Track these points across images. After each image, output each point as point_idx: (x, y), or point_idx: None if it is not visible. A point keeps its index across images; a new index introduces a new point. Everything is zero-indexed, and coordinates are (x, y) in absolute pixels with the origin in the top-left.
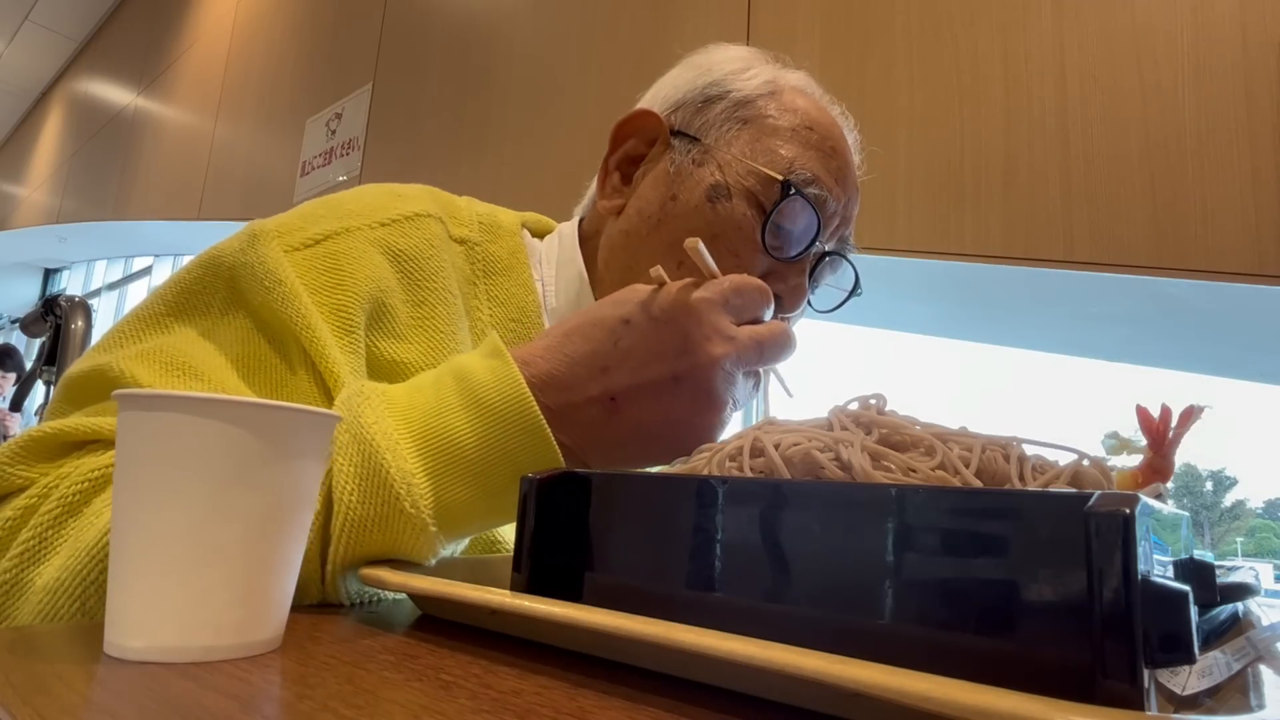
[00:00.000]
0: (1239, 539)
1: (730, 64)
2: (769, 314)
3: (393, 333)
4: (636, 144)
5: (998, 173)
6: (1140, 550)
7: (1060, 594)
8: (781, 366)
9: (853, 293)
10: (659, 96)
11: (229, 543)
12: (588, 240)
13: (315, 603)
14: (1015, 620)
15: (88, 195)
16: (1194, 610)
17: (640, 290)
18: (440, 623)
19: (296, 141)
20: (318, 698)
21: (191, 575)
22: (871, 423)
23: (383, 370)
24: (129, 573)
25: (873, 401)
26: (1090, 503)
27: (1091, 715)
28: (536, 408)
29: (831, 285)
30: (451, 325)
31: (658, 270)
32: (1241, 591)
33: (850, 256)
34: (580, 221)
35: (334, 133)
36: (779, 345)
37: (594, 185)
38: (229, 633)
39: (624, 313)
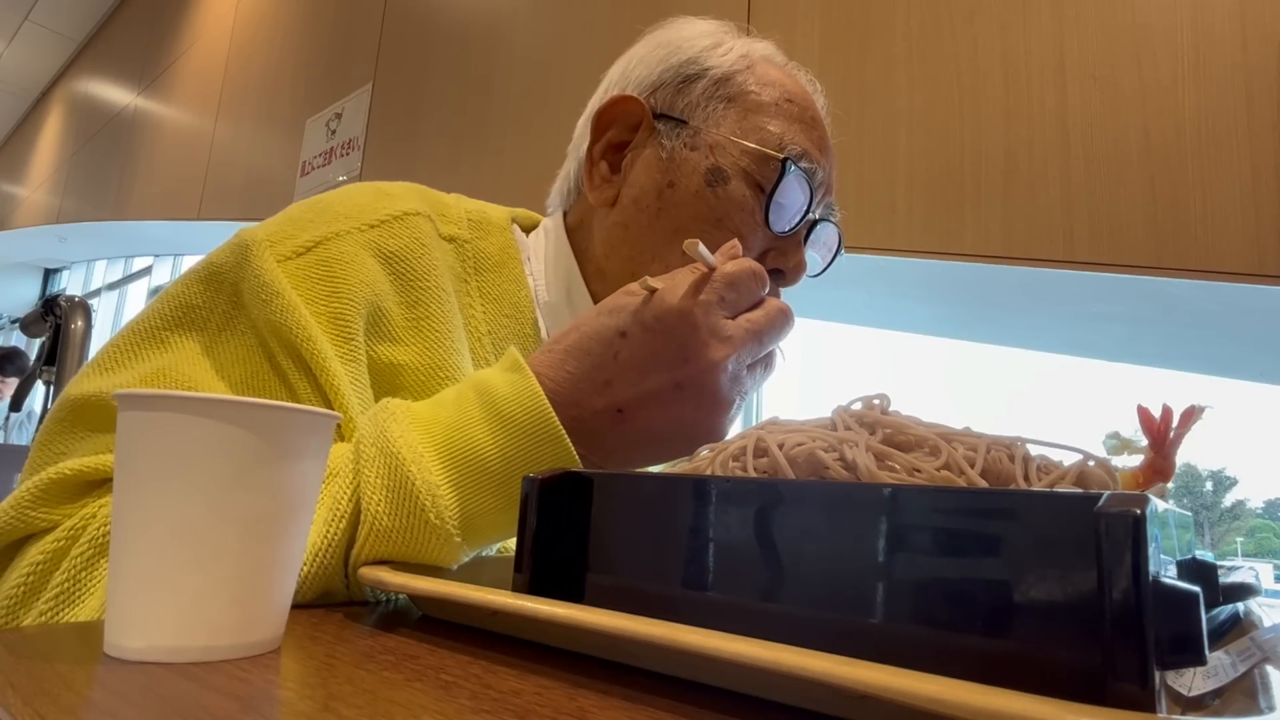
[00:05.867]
0: (1239, 539)
1: (702, 40)
2: (765, 290)
3: (389, 336)
4: (619, 131)
5: (998, 173)
6: (1150, 551)
7: (1070, 595)
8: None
9: (837, 253)
10: (631, 78)
11: (228, 543)
12: (574, 232)
13: (341, 601)
14: (1024, 622)
15: (88, 195)
16: (1204, 611)
17: (632, 299)
18: (440, 623)
19: (296, 141)
20: (318, 698)
21: (191, 575)
22: (875, 422)
23: (381, 375)
24: (129, 573)
25: (876, 401)
26: (1100, 503)
27: (1102, 717)
28: (556, 419)
29: (814, 249)
30: (446, 324)
31: (645, 280)
32: (1243, 592)
33: (834, 220)
34: (565, 214)
35: (334, 133)
36: (777, 328)
37: (568, 176)
38: (229, 633)
39: (618, 324)
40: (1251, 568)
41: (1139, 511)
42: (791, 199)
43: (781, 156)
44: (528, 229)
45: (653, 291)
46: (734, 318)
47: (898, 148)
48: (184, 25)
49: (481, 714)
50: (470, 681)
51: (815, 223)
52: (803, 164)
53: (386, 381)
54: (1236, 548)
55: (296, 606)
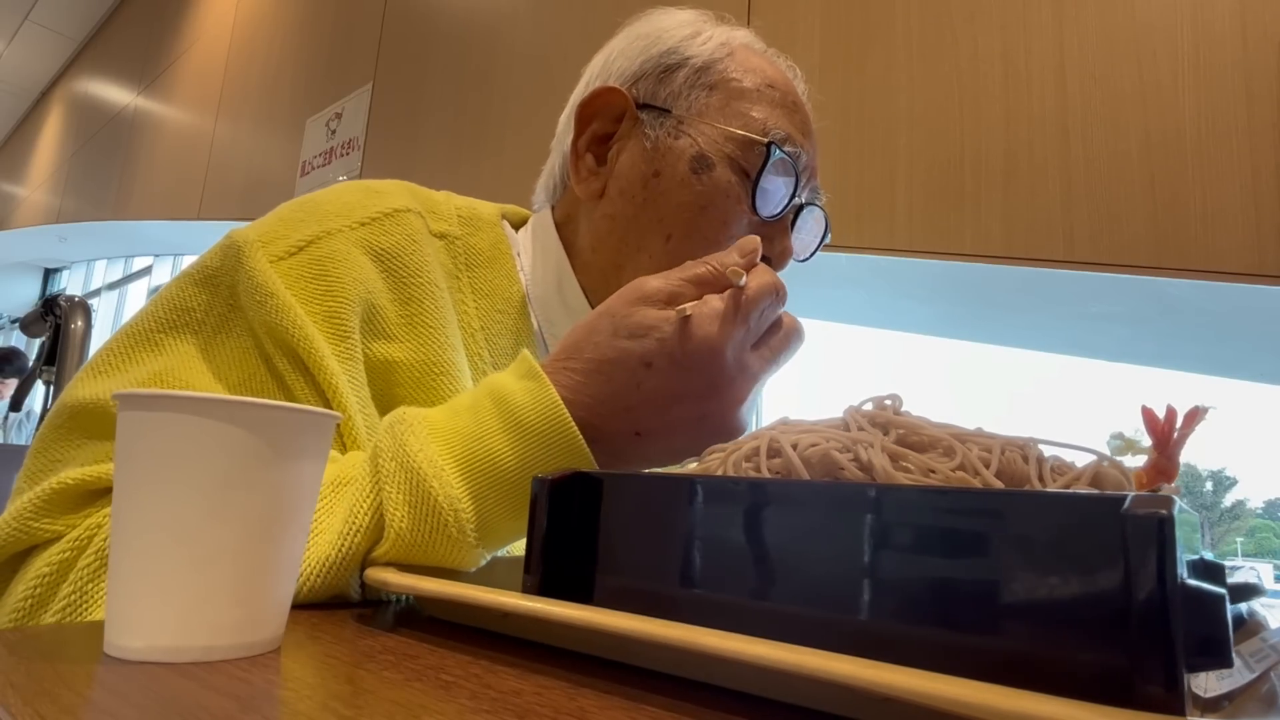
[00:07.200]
0: (1239, 539)
1: (681, 29)
2: (783, 305)
3: (384, 334)
4: (603, 123)
5: (998, 173)
6: (1176, 552)
7: (1096, 597)
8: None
9: (825, 236)
10: (612, 70)
11: (229, 543)
12: (562, 226)
13: (357, 601)
14: (1049, 624)
15: (88, 195)
16: (1230, 612)
17: (660, 322)
18: (440, 622)
19: (296, 141)
20: (318, 698)
21: (191, 575)
22: (888, 423)
23: (377, 372)
24: (129, 573)
25: (888, 402)
26: (1126, 505)
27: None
28: (575, 426)
29: (801, 234)
30: (440, 320)
31: (681, 307)
32: (1249, 592)
33: (820, 204)
34: (552, 209)
35: (334, 133)
36: (792, 351)
37: (553, 171)
38: (229, 633)
39: (644, 352)
40: (1252, 568)
41: (1165, 513)
42: (777, 183)
43: (766, 141)
44: (517, 225)
45: (685, 317)
46: (756, 344)
47: (898, 148)
48: (184, 25)
49: (481, 714)
50: (470, 681)
51: (801, 207)
52: (787, 148)
53: (381, 379)
54: (1236, 548)
55: (304, 606)
